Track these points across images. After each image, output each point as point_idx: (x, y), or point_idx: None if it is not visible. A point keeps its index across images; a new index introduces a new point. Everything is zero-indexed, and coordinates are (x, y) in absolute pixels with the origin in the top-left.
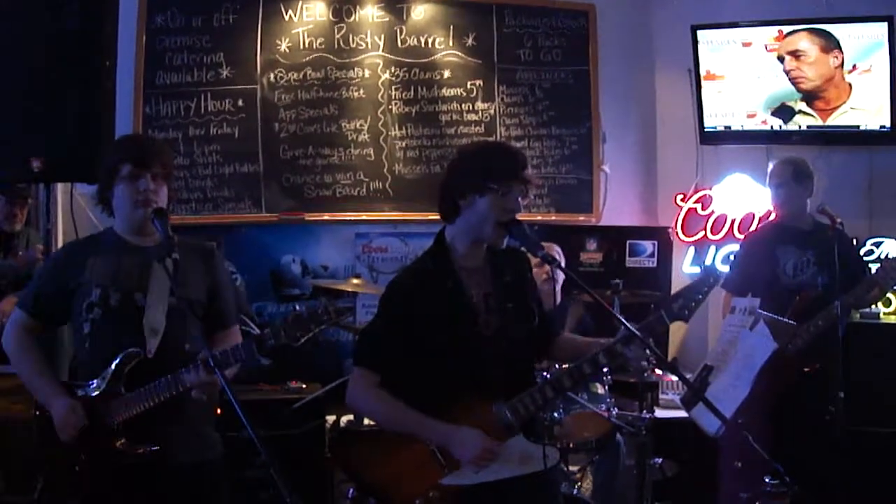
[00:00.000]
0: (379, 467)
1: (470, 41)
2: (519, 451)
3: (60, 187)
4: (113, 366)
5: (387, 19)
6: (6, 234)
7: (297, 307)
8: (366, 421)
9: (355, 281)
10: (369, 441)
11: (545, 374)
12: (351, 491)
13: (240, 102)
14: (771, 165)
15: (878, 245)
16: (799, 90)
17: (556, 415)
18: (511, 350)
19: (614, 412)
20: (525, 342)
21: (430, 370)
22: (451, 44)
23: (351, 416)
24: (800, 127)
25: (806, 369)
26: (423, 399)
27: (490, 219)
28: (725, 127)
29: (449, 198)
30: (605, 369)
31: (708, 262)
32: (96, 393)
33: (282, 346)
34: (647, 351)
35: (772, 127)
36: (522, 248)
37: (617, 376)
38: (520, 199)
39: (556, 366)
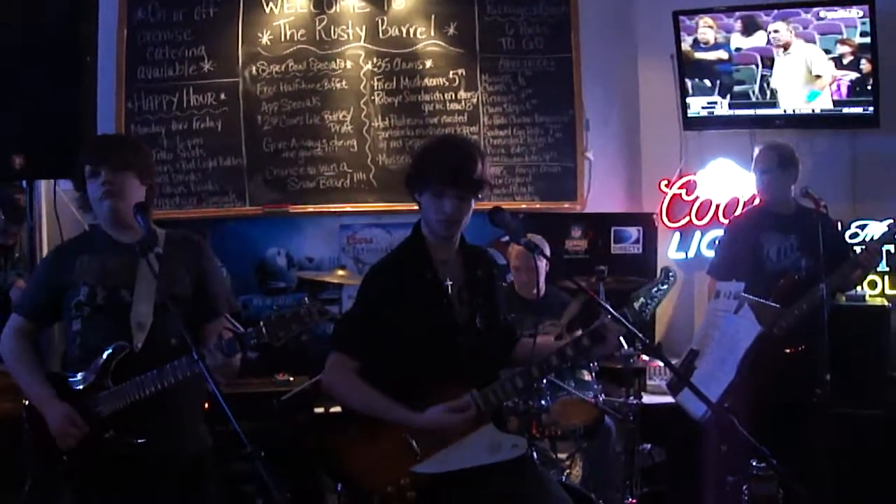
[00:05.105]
0: (353, 454)
1: (451, 30)
2: (489, 440)
3: (43, 185)
4: (101, 359)
5: (368, 10)
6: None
7: (280, 305)
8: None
9: (340, 272)
10: (344, 428)
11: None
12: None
13: (222, 96)
14: (756, 150)
15: (862, 228)
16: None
17: (543, 402)
18: (480, 342)
19: (601, 399)
20: (492, 337)
21: (406, 357)
22: (432, 33)
23: (339, 408)
24: (785, 111)
25: (788, 350)
26: (398, 384)
27: (429, 218)
28: (709, 112)
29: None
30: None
31: (693, 247)
32: (81, 386)
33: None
34: (621, 339)
35: (755, 112)
36: (506, 238)
37: (604, 363)
38: (461, 202)
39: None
